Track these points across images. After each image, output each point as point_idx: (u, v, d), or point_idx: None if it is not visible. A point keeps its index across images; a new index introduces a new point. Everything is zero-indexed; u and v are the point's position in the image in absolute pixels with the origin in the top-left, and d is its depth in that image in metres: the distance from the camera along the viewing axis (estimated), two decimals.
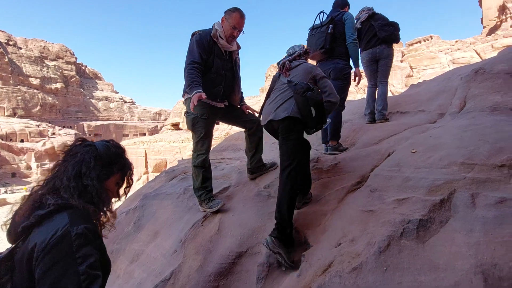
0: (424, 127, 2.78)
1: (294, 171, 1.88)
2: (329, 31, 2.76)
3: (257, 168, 2.62)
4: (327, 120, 2.10)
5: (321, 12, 2.92)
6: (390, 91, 23.15)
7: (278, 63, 2.28)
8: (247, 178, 2.68)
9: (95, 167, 1.00)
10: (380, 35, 3.36)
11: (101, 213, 1.02)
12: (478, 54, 22.04)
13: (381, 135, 2.80)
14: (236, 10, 2.20)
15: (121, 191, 1.15)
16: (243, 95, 2.69)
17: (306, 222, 1.99)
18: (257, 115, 2.54)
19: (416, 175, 1.96)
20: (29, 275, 0.83)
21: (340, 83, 2.81)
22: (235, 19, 2.19)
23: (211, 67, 2.25)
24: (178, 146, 31.48)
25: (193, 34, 2.28)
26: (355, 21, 3.44)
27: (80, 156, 1.01)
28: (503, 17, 26.36)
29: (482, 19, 30.09)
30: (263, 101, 2.29)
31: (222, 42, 2.25)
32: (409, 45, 29.34)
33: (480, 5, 30.44)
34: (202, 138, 2.33)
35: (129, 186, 1.15)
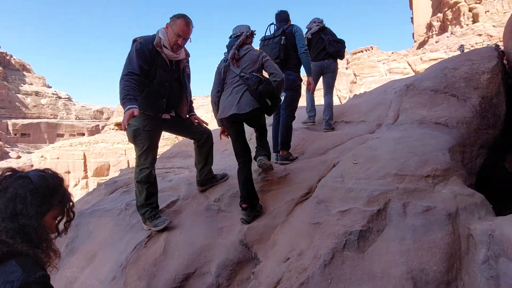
0: (365, 138, 2.99)
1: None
2: (282, 43, 2.84)
3: (207, 180, 2.53)
4: (281, 96, 2.42)
5: (271, 24, 3.02)
6: (337, 95, 24.90)
7: (228, 48, 2.36)
8: (197, 190, 2.57)
9: (32, 203, 0.87)
10: (329, 50, 3.57)
11: (51, 256, 0.90)
12: (410, 65, 24.98)
13: (327, 145, 2.94)
14: (181, 16, 2.04)
15: (61, 225, 1.02)
16: (192, 104, 2.56)
17: (256, 237, 1.97)
18: (213, 123, 2.48)
19: (357, 186, 2.09)
20: None
21: (291, 94, 2.91)
22: (180, 27, 2.02)
23: (153, 78, 2.08)
24: (123, 148, 28.94)
25: (134, 41, 2.08)
26: (306, 30, 3.70)
27: (12, 191, 0.86)
28: (430, 33, 30.39)
29: (413, 34, 34.25)
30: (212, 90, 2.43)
31: (167, 52, 2.08)
32: (353, 53, 31.91)
33: (412, 22, 34.59)
34: (146, 151, 2.16)
35: (69, 220, 1.02)
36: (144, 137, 2.14)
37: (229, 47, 2.37)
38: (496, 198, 3.07)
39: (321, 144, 3.01)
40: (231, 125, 2.29)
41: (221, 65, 2.37)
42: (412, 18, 35.22)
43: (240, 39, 2.30)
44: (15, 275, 0.73)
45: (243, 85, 2.22)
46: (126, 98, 1.83)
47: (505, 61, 3.78)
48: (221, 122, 2.37)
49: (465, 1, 27.51)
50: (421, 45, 30.59)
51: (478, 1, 27.07)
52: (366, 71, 26.90)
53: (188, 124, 2.43)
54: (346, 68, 28.82)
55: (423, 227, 1.80)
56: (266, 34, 3.02)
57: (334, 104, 3.81)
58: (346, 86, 26.20)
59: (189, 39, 2.13)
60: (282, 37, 2.84)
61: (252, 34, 2.40)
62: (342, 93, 25.36)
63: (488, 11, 26.49)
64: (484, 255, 1.68)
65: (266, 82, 2.17)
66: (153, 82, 2.09)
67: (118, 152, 28.51)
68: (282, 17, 3.13)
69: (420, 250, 1.71)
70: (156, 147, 2.26)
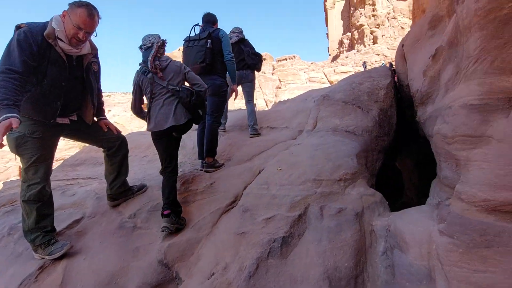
0: (288, 143, 3.15)
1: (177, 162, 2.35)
2: (208, 46, 2.73)
3: (120, 193, 2.22)
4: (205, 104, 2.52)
5: (196, 25, 2.87)
6: (264, 99, 26.10)
7: (145, 60, 2.24)
8: (108, 205, 2.24)
9: None
10: (249, 61, 3.68)
11: None
12: (326, 75, 28.09)
13: (253, 151, 2.97)
14: (83, 5, 1.69)
15: None
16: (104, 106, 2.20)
17: (177, 254, 1.82)
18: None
19: (281, 193, 2.16)
20: None
21: (217, 99, 2.84)
22: (80, 17, 1.67)
23: (44, 77, 1.68)
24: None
25: (17, 28, 1.62)
26: None
27: None
28: (341, 49, 34.85)
29: (328, 48, 38.63)
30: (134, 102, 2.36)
31: (63, 45, 1.71)
32: (278, 60, 33.98)
33: (327, 37, 38.98)
34: (35, 163, 1.74)
35: None
36: (32, 146, 1.71)
37: (144, 60, 2.26)
38: (389, 193, 3.64)
39: (247, 150, 3.03)
40: (161, 137, 2.26)
41: (141, 77, 2.28)
42: (327, 34, 39.73)
43: (153, 51, 2.21)
44: None
45: (174, 97, 2.24)
46: (1, 104, 1.41)
47: (396, 79, 4.54)
48: (153, 134, 2.30)
49: (367, 25, 32.56)
50: (335, 58, 34.78)
51: (377, 26, 32.42)
52: (290, 78, 29.02)
53: (95, 129, 2.07)
54: (272, 74, 30.49)
55: (336, 228, 1.97)
56: (191, 35, 2.87)
57: (260, 108, 3.92)
58: (272, 90, 27.70)
59: (95, 33, 1.79)
60: (208, 41, 2.73)
61: (163, 43, 2.33)
62: (268, 97, 26.69)
63: (384, 35, 31.99)
64: (383, 247, 1.94)
65: (197, 94, 2.27)
66: (43, 82, 1.68)
67: (5, 157, 22.56)
68: (209, 19, 3.03)
69: (334, 249, 1.87)
70: (50, 157, 1.84)
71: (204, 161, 2.77)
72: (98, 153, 3.58)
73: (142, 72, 2.27)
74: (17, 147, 1.69)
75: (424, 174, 5.46)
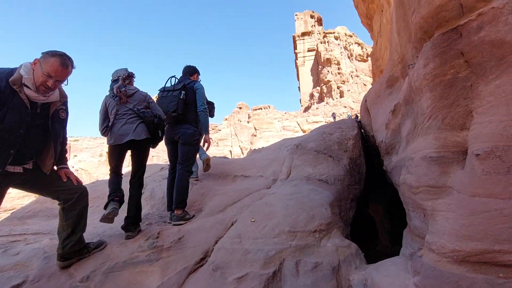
0: (262, 193, 3.10)
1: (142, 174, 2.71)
2: (181, 97, 2.79)
3: (73, 252, 1.96)
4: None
5: (172, 77, 2.96)
6: (239, 146, 26.41)
7: (112, 89, 2.69)
8: (57, 266, 1.95)
9: None
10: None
11: None
12: (299, 125, 29.58)
13: (226, 201, 2.87)
14: (57, 55, 1.68)
15: None
16: (64, 155, 2.04)
17: None
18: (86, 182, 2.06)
19: (254, 247, 2.04)
20: None
21: (189, 148, 2.82)
22: (52, 66, 1.65)
23: (0, 123, 1.59)
24: None
25: None
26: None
27: None
28: (312, 101, 37.54)
29: (300, 100, 41.45)
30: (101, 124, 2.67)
31: (29, 92, 1.66)
32: (254, 109, 35.58)
33: (299, 90, 42.13)
34: None
35: None
36: None
37: (111, 89, 2.70)
38: (363, 240, 3.57)
39: (220, 200, 2.92)
40: (122, 150, 2.59)
41: (109, 100, 2.64)
42: (299, 87, 43.00)
43: (119, 82, 2.65)
44: None
45: (138, 117, 2.57)
46: None
47: (362, 130, 4.85)
48: (112, 147, 2.58)
49: (334, 81, 35.91)
50: (306, 109, 37.14)
51: (342, 82, 35.84)
52: (265, 126, 30.12)
53: (52, 179, 1.89)
54: (248, 122, 31.52)
55: (312, 285, 1.85)
56: (166, 86, 2.95)
57: (236, 156, 3.93)
58: (247, 138, 28.31)
59: (66, 81, 1.76)
60: (182, 92, 2.81)
61: (129, 76, 2.75)
62: (244, 144, 27.13)
63: (349, 90, 35.23)
64: None
65: (160, 118, 2.64)
66: None
67: None
68: (188, 71, 3.15)
69: None
70: None
71: (173, 213, 2.62)
72: (55, 203, 3.26)
73: (111, 96, 2.65)
74: None
75: (395, 220, 5.55)
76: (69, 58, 1.73)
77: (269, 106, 35.45)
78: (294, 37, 42.82)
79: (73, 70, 1.77)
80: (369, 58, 39.70)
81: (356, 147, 4.11)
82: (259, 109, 35.12)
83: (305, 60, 42.19)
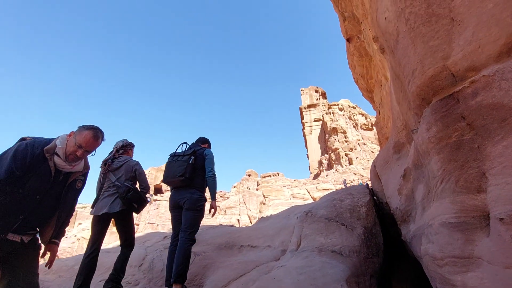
0: (270, 266, 2.83)
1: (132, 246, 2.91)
2: (190, 162, 2.83)
3: None
4: (148, 199, 3.04)
5: (183, 143, 3.08)
6: (247, 214, 25.47)
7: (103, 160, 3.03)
8: None
9: None
10: None
11: None
12: (308, 192, 28.93)
13: (230, 275, 2.61)
14: (91, 129, 1.83)
15: None
16: (64, 230, 1.95)
17: None
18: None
19: None
20: None
21: (194, 214, 2.74)
22: (85, 138, 1.79)
23: (21, 187, 1.62)
24: None
25: (21, 139, 1.71)
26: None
27: None
28: (321, 168, 37.56)
29: (309, 167, 41.57)
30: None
31: (58, 161, 1.74)
32: (263, 177, 35.54)
33: (308, 157, 42.68)
34: None
35: None
36: None
37: (103, 160, 3.02)
38: None
39: (224, 274, 2.66)
40: (99, 222, 2.76)
41: (101, 173, 2.97)
42: (307, 155, 43.71)
43: (112, 154, 3.01)
44: None
45: (115, 190, 2.82)
46: None
47: (375, 197, 4.67)
48: (94, 217, 2.79)
49: (342, 149, 36.53)
50: (316, 176, 36.87)
51: (350, 150, 36.36)
52: (274, 193, 29.54)
53: (31, 258, 1.71)
54: (257, 190, 31.12)
55: None
56: (177, 151, 3.04)
57: (243, 224, 3.79)
58: (256, 206, 27.50)
59: (93, 153, 1.89)
60: (192, 157, 2.87)
61: (123, 146, 3.09)
62: (252, 212, 26.18)
63: (358, 157, 35.42)
64: None
65: (134, 191, 2.81)
66: (18, 191, 1.60)
67: None
68: (200, 140, 3.29)
69: None
70: None
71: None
72: (46, 275, 3.04)
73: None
74: None
75: None
76: (101, 132, 1.89)
77: (278, 173, 35.47)
78: (300, 109, 45.68)
79: (102, 142, 1.90)
80: (374, 127, 41.12)
81: (370, 214, 3.89)
82: (268, 176, 35.09)
83: (312, 129, 43.99)
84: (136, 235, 5.44)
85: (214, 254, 3.37)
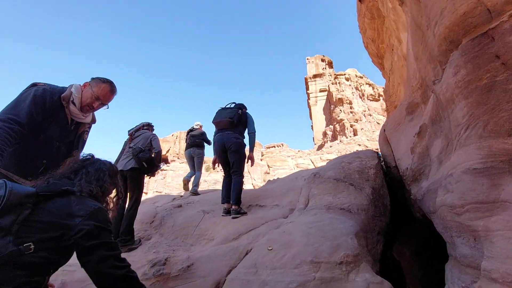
0: (279, 222, 2.86)
1: (137, 203, 3.04)
2: (239, 112, 3.48)
3: None
4: (160, 165, 3.41)
5: (232, 102, 3.74)
6: (252, 184, 26.01)
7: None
8: None
9: (109, 176, 1.45)
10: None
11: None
12: (312, 162, 29.13)
13: (241, 229, 2.65)
14: (107, 82, 1.81)
15: None
16: None
17: None
18: None
19: (272, 278, 1.78)
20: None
21: (240, 156, 3.38)
22: (103, 91, 1.78)
23: (42, 133, 1.62)
24: None
25: (34, 85, 1.64)
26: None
27: (98, 165, 1.43)
28: (325, 139, 37.45)
29: (313, 138, 41.51)
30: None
31: (73, 109, 1.73)
32: (267, 148, 35.69)
33: (312, 129, 42.45)
34: None
35: (121, 197, 1.59)
36: None
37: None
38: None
39: (234, 228, 2.70)
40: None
41: (126, 141, 3.46)
42: (312, 126, 43.42)
43: (137, 127, 3.51)
44: (94, 203, 1.23)
45: (131, 153, 3.13)
46: None
47: (382, 163, 4.62)
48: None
49: (347, 120, 36.10)
50: (320, 147, 36.93)
51: (355, 121, 35.93)
52: (278, 163, 29.85)
53: None
54: (261, 160, 31.44)
55: None
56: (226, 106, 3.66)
57: (249, 189, 3.93)
58: (260, 176, 27.96)
59: (107, 106, 1.87)
60: (240, 110, 3.50)
61: (147, 124, 3.61)
62: (256, 181, 26.70)
63: (362, 129, 35.10)
64: None
65: (145, 152, 3.13)
66: (39, 136, 1.61)
67: None
68: (238, 105, 3.77)
69: None
70: None
71: (232, 208, 3.19)
72: None
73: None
74: None
75: (425, 263, 4.98)
76: (115, 86, 1.88)
77: (282, 144, 35.54)
78: (306, 79, 44.50)
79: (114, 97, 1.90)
80: (381, 98, 40.18)
81: (378, 176, 3.86)
82: (272, 147, 35.24)
83: (317, 100, 43.21)
84: (146, 197, 5.55)
85: (221, 214, 3.42)
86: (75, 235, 1.08)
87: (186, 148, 5.49)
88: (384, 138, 4.71)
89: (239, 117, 3.42)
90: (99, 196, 1.32)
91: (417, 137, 2.81)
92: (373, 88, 42.07)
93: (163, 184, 28.39)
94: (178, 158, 34.27)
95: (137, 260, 2.15)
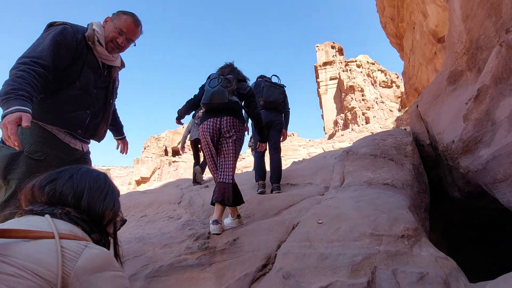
0: (317, 198, 2.66)
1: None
2: (285, 93, 3.55)
3: None
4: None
5: (275, 75, 3.69)
6: None
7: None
8: None
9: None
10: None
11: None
12: (324, 151, 28.74)
13: (279, 205, 2.46)
14: (129, 13, 1.58)
15: None
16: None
17: None
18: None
19: (332, 251, 1.59)
20: None
21: (279, 135, 3.49)
22: (125, 22, 1.54)
23: (77, 79, 1.42)
24: None
25: (50, 25, 1.40)
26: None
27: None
28: (337, 128, 36.81)
29: (324, 127, 40.92)
30: None
31: (101, 50, 1.52)
32: None
33: (322, 118, 41.80)
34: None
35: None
36: (24, 171, 1.26)
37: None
38: None
39: (272, 205, 2.51)
40: (194, 146, 4.29)
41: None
42: (322, 115, 42.74)
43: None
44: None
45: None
46: (13, 94, 1.09)
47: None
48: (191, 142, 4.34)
49: (359, 108, 35.30)
50: (331, 136, 36.36)
51: (368, 109, 35.11)
52: (290, 153, 29.58)
53: None
54: None
55: None
56: (272, 79, 3.60)
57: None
58: None
59: (134, 43, 1.62)
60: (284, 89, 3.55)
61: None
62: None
63: (375, 116, 34.29)
64: None
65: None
66: (75, 84, 1.42)
67: None
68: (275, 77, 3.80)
69: None
70: None
71: (274, 185, 3.20)
72: None
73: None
74: (5, 169, 1.24)
75: (451, 247, 4.74)
76: (139, 19, 1.62)
77: (293, 133, 35.18)
78: (315, 67, 43.57)
79: (141, 34, 1.64)
80: (394, 84, 39.03)
81: (415, 153, 3.60)
82: None
83: (327, 88, 42.37)
84: (166, 181, 5.44)
85: (253, 191, 3.24)
86: None
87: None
88: (417, 114, 4.41)
89: (284, 99, 3.53)
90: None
91: (472, 102, 2.53)
92: (385, 74, 40.82)
93: (175, 176, 28.59)
94: (189, 150, 34.45)
95: (175, 235, 1.98)
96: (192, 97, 2.40)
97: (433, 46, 7.45)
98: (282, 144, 3.59)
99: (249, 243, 1.79)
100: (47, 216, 0.67)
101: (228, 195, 2.01)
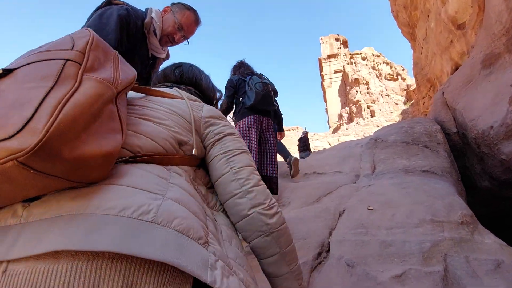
0: (354, 186, 2.53)
1: None
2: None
3: None
4: None
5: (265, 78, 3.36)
6: None
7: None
8: None
9: None
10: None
11: None
12: (330, 144, 28.55)
13: (316, 193, 2.35)
14: (192, 9, 1.45)
15: None
16: None
17: None
18: None
19: (394, 238, 1.47)
20: None
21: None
22: (187, 19, 1.41)
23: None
24: None
25: (109, 2, 1.24)
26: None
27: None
28: (341, 121, 36.56)
29: (328, 121, 40.65)
30: None
31: (154, 41, 1.40)
32: None
33: (326, 112, 41.50)
34: None
35: None
36: None
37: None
38: None
39: (307, 193, 2.39)
40: None
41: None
42: (326, 109, 42.43)
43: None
44: None
45: None
46: None
47: None
48: None
49: (364, 101, 34.95)
50: (335, 130, 36.13)
51: (373, 102, 34.75)
52: (294, 147, 29.49)
53: None
54: None
55: None
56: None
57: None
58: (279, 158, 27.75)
59: (187, 41, 1.49)
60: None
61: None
62: None
63: (380, 109, 33.96)
64: None
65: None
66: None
67: None
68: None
69: None
70: None
71: (288, 158, 3.32)
72: None
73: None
74: None
75: None
76: (199, 17, 1.49)
77: (297, 127, 35.01)
78: (320, 60, 43.10)
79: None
80: (399, 77, 38.52)
81: (445, 141, 3.46)
82: (287, 130, 34.78)
83: (331, 81, 41.97)
84: None
85: (280, 180, 3.12)
86: None
87: None
88: (443, 102, 4.25)
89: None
90: None
91: None
92: (390, 67, 40.28)
93: None
94: None
95: None
96: (227, 97, 2.58)
97: (449, 34, 7.21)
98: (287, 138, 3.58)
99: (297, 230, 1.68)
100: (175, 87, 0.85)
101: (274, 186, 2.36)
